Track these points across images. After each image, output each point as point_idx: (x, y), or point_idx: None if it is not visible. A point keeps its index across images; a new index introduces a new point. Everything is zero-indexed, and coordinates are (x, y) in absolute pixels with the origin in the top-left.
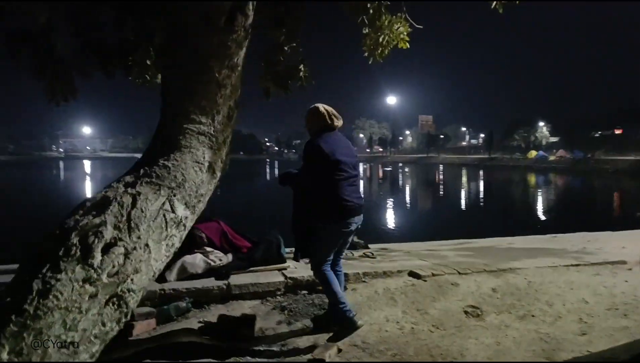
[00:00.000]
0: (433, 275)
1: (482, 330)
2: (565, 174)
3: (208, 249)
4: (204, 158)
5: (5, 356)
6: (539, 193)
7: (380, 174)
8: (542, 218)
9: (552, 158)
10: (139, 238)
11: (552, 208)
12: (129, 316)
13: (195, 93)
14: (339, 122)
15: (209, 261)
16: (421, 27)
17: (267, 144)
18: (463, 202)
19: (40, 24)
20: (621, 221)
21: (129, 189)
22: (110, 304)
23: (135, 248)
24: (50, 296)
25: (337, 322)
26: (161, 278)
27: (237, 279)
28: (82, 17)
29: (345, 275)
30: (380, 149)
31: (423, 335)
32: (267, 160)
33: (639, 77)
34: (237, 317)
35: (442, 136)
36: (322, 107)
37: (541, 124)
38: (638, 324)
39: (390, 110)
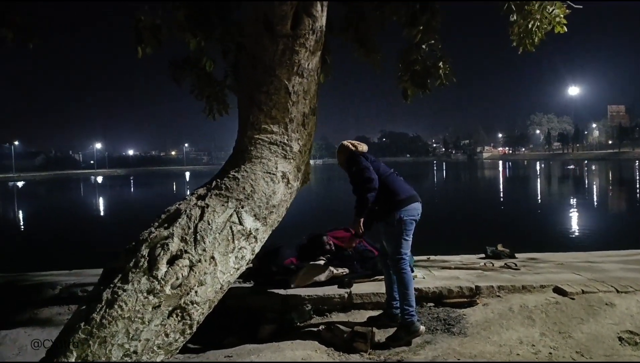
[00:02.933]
0: (583, 292)
1: (638, 361)
2: None
3: (333, 257)
4: (276, 168)
5: (72, 361)
6: None
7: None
8: None
9: None
10: (204, 250)
11: None
12: (194, 328)
13: (264, 103)
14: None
15: (332, 269)
16: (580, 7)
17: (434, 145)
18: None
19: (193, 50)
20: None
21: (199, 202)
22: (174, 315)
23: (200, 261)
24: (115, 306)
25: (404, 324)
26: (286, 284)
27: (359, 288)
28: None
29: (478, 287)
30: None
31: (562, 360)
32: (434, 161)
33: None
34: (352, 330)
35: (637, 128)
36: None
37: None
38: None
39: (571, 102)
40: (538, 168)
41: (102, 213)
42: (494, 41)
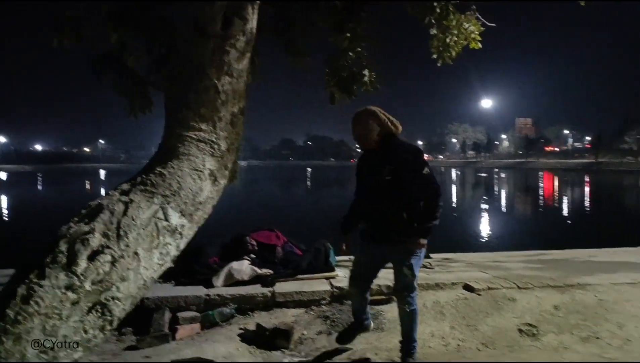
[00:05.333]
0: (489, 288)
1: (536, 351)
2: None
3: (256, 257)
4: (203, 165)
5: None
6: None
7: (474, 180)
8: None
9: None
10: (127, 246)
11: None
12: (114, 324)
13: (193, 101)
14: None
15: (256, 268)
16: (494, 25)
17: (358, 150)
18: (561, 210)
19: (112, 44)
20: None
21: (123, 197)
22: (94, 312)
23: (122, 256)
24: (31, 302)
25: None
26: (208, 283)
27: (282, 287)
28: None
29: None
30: (473, 154)
31: (469, 353)
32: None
33: None
34: (274, 328)
35: (542, 140)
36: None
37: None
38: None
39: (485, 113)
40: (454, 174)
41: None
42: (417, 52)
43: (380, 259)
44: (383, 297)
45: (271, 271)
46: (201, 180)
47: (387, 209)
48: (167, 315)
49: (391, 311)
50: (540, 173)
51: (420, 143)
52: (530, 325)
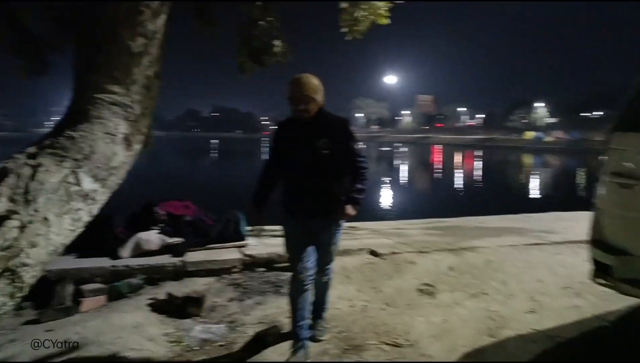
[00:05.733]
0: (392, 253)
1: (432, 308)
2: (560, 155)
3: (166, 227)
4: (116, 129)
5: None
6: (530, 174)
7: (376, 154)
8: (527, 197)
9: (549, 139)
10: (36, 211)
11: (540, 188)
12: (25, 291)
13: (105, 62)
14: None
15: (165, 238)
16: (402, 1)
17: (266, 122)
18: (455, 181)
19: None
20: None
21: (30, 161)
22: (3, 278)
23: (31, 221)
24: None
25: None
26: (114, 254)
27: (193, 256)
28: None
29: None
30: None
31: (373, 312)
32: (262, 138)
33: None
34: (186, 296)
35: (441, 116)
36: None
37: (540, 105)
38: (590, 304)
39: (389, 89)
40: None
41: None
42: (327, 26)
43: (314, 234)
44: None
45: (181, 241)
46: (114, 144)
47: (324, 183)
48: (70, 288)
49: None
50: (438, 147)
51: None
52: (428, 285)
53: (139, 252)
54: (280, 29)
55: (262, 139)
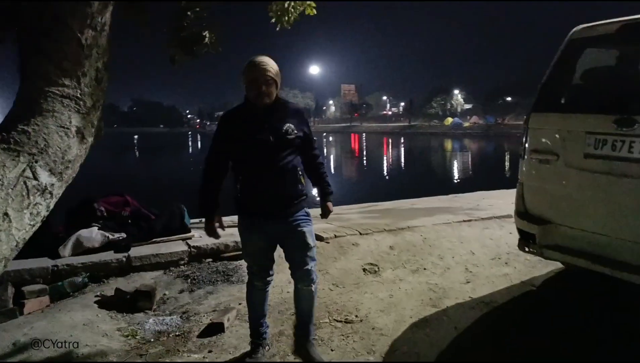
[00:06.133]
0: (336, 236)
1: (378, 285)
2: (478, 139)
3: (107, 223)
4: (70, 122)
5: None
6: (452, 157)
7: None
8: (452, 179)
9: (466, 124)
10: None
11: (463, 170)
12: None
13: (54, 53)
14: None
15: (107, 234)
16: None
17: (189, 116)
18: (383, 168)
19: None
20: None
21: None
22: None
23: None
24: None
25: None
26: (55, 253)
27: (138, 251)
28: None
29: None
30: None
31: (323, 293)
32: (189, 133)
33: (548, 47)
34: (135, 290)
35: (364, 105)
36: None
37: (456, 91)
38: (517, 271)
39: (315, 80)
40: None
41: None
42: (253, 15)
43: (277, 236)
44: (240, 252)
45: (125, 236)
46: (69, 138)
47: (290, 172)
48: (10, 290)
49: None
50: (363, 135)
51: None
52: (371, 264)
53: (81, 250)
54: (210, 20)
55: (189, 133)
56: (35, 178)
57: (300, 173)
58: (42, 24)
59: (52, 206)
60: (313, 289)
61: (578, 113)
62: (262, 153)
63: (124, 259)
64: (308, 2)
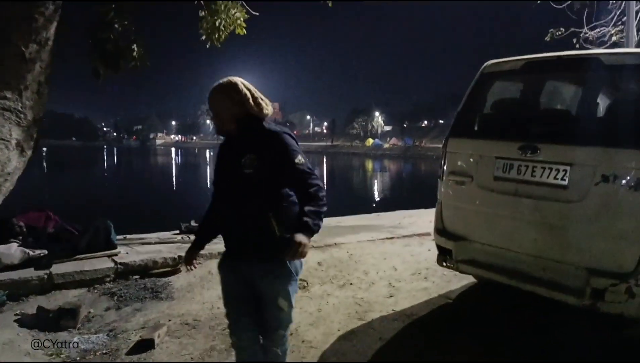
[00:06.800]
0: None
1: (307, 299)
2: (397, 160)
3: (27, 239)
4: (10, 135)
5: None
6: (374, 177)
7: None
8: (375, 199)
9: (386, 145)
10: None
11: (384, 190)
12: None
13: None
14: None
15: (27, 250)
16: (257, 14)
17: (104, 129)
18: None
19: None
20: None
21: None
22: None
23: None
24: None
25: None
26: None
27: (60, 268)
28: None
29: (180, 257)
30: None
31: None
32: (105, 146)
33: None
34: (59, 308)
35: (287, 123)
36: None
37: (377, 113)
38: (436, 285)
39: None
40: (208, 155)
41: None
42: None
43: (250, 282)
44: (169, 269)
45: (46, 252)
46: (9, 150)
47: (249, 213)
48: None
49: (178, 281)
50: None
51: (174, 123)
52: (301, 280)
53: None
54: (137, 33)
55: (104, 146)
56: None
57: (271, 212)
58: None
59: None
60: (280, 352)
61: (488, 139)
62: (225, 189)
63: (45, 276)
64: (238, 22)
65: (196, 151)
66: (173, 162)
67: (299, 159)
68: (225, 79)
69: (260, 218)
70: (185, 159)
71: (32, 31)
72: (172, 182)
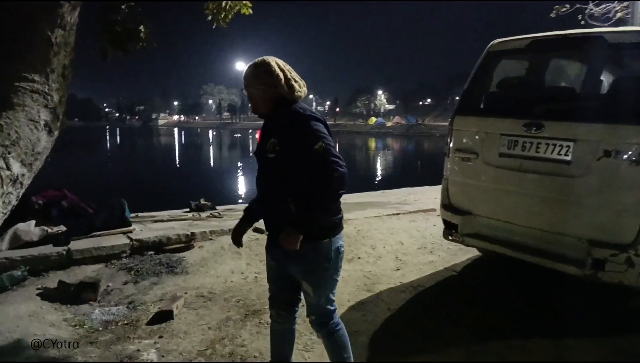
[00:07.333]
0: None
1: None
2: (400, 139)
3: (45, 216)
4: (39, 116)
5: None
6: (378, 155)
7: (230, 141)
8: (379, 176)
9: (389, 123)
10: None
11: (388, 168)
12: None
13: (25, 52)
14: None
15: (46, 228)
16: None
17: (107, 110)
18: None
19: None
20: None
21: None
22: None
23: None
24: None
25: None
26: None
27: (78, 244)
28: None
29: (193, 233)
30: (229, 115)
31: (264, 282)
32: (108, 127)
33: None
34: (80, 282)
35: None
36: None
37: (380, 92)
38: (441, 258)
39: (240, 76)
40: (211, 135)
41: None
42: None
43: (285, 264)
44: (182, 245)
45: (64, 229)
46: (38, 131)
47: (272, 197)
48: None
49: (192, 256)
50: None
51: (176, 103)
52: None
53: (18, 244)
54: (144, 15)
55: (107, 127)
56: (8, 169)
57: (292, 197)
58: (14, 25)
59: (20, 195)
60: (327, 333)
61: (494, 117)
62: (258, 172)
63: (64, 252)
64: (244, 2)
65: (199, 131)
66: (176, 142)
67: (319, 145)
68: (259, 59)
69: (281, 203)
70: (189, 139)
71: (57, 16)
72: (176, 162)
